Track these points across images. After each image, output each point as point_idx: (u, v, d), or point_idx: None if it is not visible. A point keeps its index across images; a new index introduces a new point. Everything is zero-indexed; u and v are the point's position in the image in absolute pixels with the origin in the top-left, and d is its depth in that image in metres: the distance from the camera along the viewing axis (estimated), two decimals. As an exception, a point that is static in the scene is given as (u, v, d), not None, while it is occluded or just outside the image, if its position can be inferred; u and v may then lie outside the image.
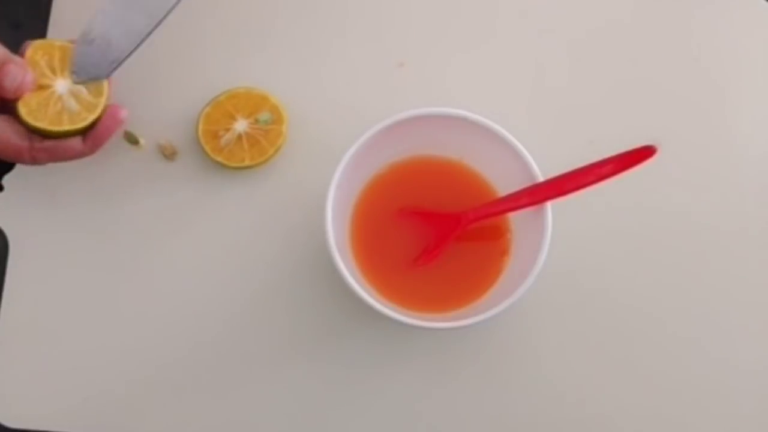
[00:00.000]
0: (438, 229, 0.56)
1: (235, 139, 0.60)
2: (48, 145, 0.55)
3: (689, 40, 0.63)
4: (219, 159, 0.59)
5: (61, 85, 0.55)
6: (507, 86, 0.62)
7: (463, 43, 0.63)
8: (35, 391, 0.58)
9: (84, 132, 0.55)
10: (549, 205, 0.53)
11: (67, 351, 0.59)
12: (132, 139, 0.61)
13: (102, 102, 0.55)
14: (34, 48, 0.55)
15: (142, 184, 0.60)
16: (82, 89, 0.55)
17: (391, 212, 0.57)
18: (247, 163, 0.59)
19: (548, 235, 0.52)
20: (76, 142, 0.55)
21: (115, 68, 0.56)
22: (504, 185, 0.56)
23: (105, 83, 0.56)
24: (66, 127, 0.54)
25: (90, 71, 0.55)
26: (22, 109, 0.54)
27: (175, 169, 0.61)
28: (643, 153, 0.52)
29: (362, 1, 0.64)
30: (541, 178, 0.53)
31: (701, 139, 0.62)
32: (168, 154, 0.61)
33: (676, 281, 0.60)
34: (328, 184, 0.53)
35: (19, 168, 0.61)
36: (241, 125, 0.60)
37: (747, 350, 0.59)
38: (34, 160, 0.55)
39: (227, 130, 0.60)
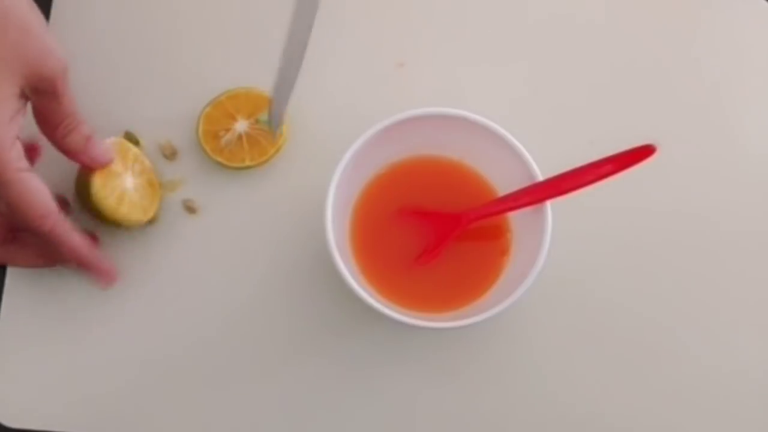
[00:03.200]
0: (438, 229, 0.56)
1: (235, 140, 0.60)
2: (67, 224, 0.54)
3: (689, 39, 0.63)
4: (219, 159, 0.59)
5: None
6: (507, 86, 0.62)
7: (463, 43, 0.63)
8: (35, 391, 0.58)
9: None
10: (549, 205, 0.53)
11: (67, 351, 0.59)
12: (132, 140, 0.61)
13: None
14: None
15: (142, 184, 0.60)
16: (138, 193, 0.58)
17: (391, 212, 0.57)
18: (247, 163, 0.59)
19: (548, 235, 0.52)
20: (86, 244, 0.55)
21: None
22: (504, 185, 0.56)
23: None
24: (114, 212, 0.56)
25: (281, 113, 0.59)
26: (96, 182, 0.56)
27: (175, 169, 0.61)
28: (643, 152, 0.52)
29: (362, 1, 0.64)
30: (541, 178, 0.53)
31: (701, 138, 0.62)
32: (168, 154, 0.61)
33: (677, 281, 0.60)
34: (328, 184, 0.53)
35: (19, 168, 0.61)
36: (241, 126, 0.60)
37: (749, 353, 0.59)
38: (51, 232, 0.53)
39: (227, 130, 0.60)
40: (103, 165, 0.56)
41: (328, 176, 0.53)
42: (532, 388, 0.58)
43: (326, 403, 0.58)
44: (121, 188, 0.57)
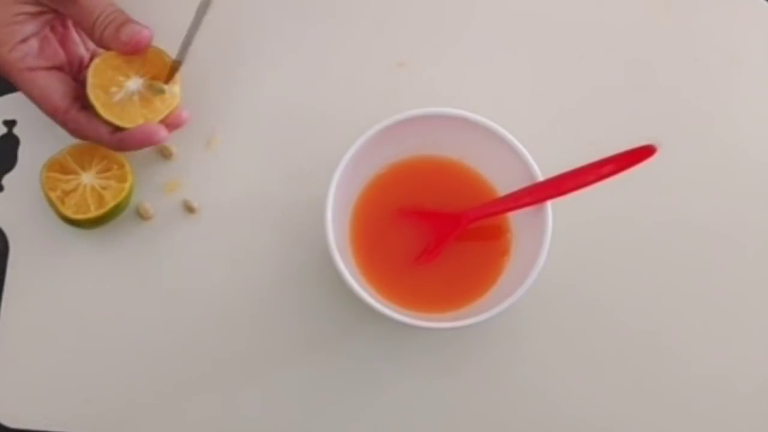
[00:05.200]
0: (438, 229, 0.56)
1: (127, 98, 0.56)
2: (81, 118, 0.55)
3: (689, 39, 0.63)
4: (109, 117, 0.55)
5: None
6: (507, 86, 0.62)
7: (463, 43, 0.63)
8: (35, 391, 0.58)
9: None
10: (549, 205, 0.53)
11: (67, 351, 0.59)
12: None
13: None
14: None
15: (141, 183, 0.60)
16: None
17: (391, 212, 0.57)
18: (139, 122, 0.56)
19: (548, 235, 0.52)
20: (105, 130, 0.56)
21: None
22: (504, 185, 0.56)
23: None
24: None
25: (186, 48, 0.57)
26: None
27: (173, 169, 0.61)
28: (643, 153, 0.52)
29: (362, 1, 0.64)
30: (541, 178, 0.53)
31: (701, 139, 0.62)
32: (166, 153, 0.61)
33: (677, 281, 0.60)
34: (328, 184, 0.53)
35: (19, 168, 0.61)
36: (134, 84, 0.56)
37: (749, 355, 0.59)
38: (64, 125, 0.56)
39: (120, 87, 0.56)
40: (135, 50, 0.55)
41: (327, 176, 0.53)
42: (531, 387, 0.58)
43: (326, 401, 0.58)
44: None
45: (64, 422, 0.58)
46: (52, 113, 0.56)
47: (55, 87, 0.55)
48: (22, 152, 0.61)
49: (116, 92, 0.56)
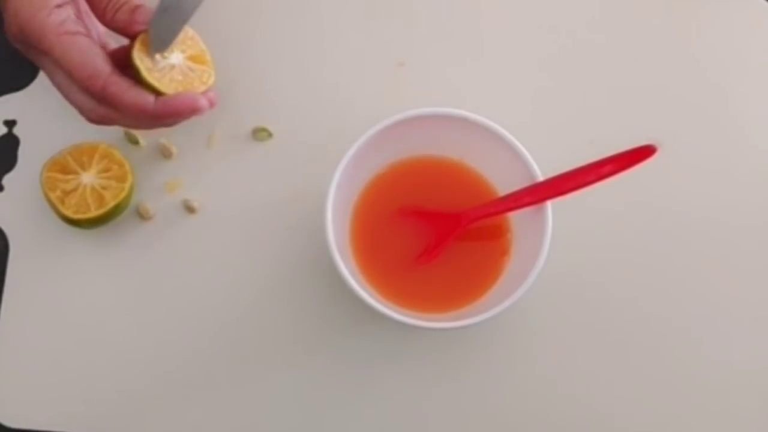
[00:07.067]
0: (438, 229, 0.56)
1: (168, 68, 0.55)
2: (123, 83, 0.53)
3: (689, 39, 0.63)
4: (150, 79, 0.54)
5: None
6: (507, 86, 0.62)
7: (464, 42, 0.63)
8: (35, 391, 0.58)
9: None
10: (549, 205, 0.53)
11: (67, 351, 0.59)
12: (132, 139, 0.61)
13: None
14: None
15: (141, 183, 0.60)
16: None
17: (391, 212, 0.57)
18: (169, 92, 0.55)
19: (548, 235, 0.52)
20: (149, 96, 0.53)
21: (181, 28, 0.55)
22: (504, 185, 0.56)
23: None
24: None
25: (165, 38, 0.54)
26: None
27: (174, 169, 0.61)
28: (643, 152, 0.52)
29: (362, 1, 0.64)
30: (541, 178, 0.53)
31: (701, 138, 0.62)
32: (166, 153, 0.61)
33: (678, 280, 0.60)
34: (328, 184, 0.53)
35: (19, 168, 0.61)
36: (177, 58, 0.56)
37: (751, 350, 0.59)
38: (103, 92, 0.53)
39: (165, 57, 0.55)
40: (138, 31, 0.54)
41: (328, 176, 0.53)
42: (532, 387, 0.58)
43: (325, 402, 0.58)
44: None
45: (64, 422, 0.58)
46: (94, 77, 0.52)
47: (97, 51, 0.53)
48: (22, 152, 0.61)
49: (159, 60, 0.55)
